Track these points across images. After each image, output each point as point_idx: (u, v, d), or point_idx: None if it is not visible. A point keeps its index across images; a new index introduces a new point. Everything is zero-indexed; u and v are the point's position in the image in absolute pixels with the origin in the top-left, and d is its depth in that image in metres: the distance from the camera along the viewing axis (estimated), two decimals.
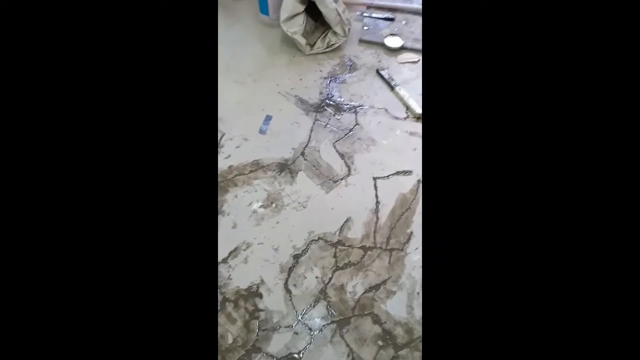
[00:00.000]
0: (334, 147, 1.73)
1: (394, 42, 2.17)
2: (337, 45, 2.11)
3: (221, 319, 1.28)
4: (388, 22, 2.30)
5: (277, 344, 1.23)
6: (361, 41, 2.21)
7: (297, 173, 1.65)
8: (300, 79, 2.01)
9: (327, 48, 2.11)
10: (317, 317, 1.29)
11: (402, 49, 2.15)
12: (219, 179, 1.62)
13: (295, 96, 1.93)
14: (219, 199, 1.56)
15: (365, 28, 2.26)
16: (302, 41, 2.05)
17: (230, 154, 1.70)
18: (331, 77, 2.02)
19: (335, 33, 2.07)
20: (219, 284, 1.35)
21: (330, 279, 1.37)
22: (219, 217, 1.51)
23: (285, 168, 1.67)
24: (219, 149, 1.71)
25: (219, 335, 1.24)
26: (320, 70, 2.06)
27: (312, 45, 2.11)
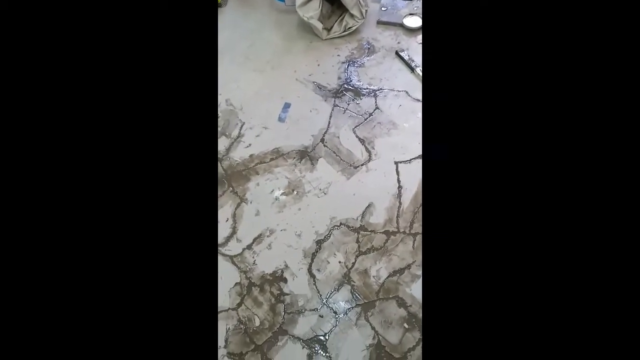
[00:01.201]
0: (354, 133, 1.72)
1: (413, 21, 2.10)
2: (354, 28, 2.06)
3: (248, 302, 1.32)
4: (407, 2, 2.23)
5: (302, 326, 1.26)
6: (379, 23, 2.16)
7: (317, 160, 1.65)
8: (318, 65, 1.99)
9: (344, 32, 2.07)
10: (341, 300, 1.30)
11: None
12: (241, 168, 1.64)
13: (314, 82, 1.91)
14: (242, 187, 1.59)
15: (382, 9, 2.20)
16: (319, 25, 2.02)
17: (250, 143, 1.72)
18: (349, 61, 1.99)
19: (352, 15, 2.03)
20: (244, 269, 1.38)
21: (354, 263, 1.38)
22: (243, 205, 1.54)
23: (305, 155, 1.67)
24: (239, 139, 1.73)
25: (246, 318, 1.28)
26: (338, 55, 2.03)
27: (329, 30, 2.08)
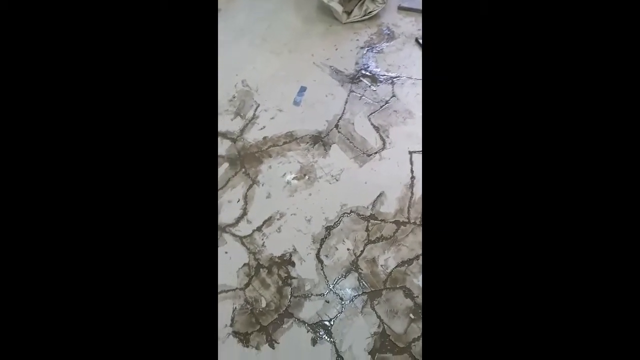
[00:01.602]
0: (369, 120, 1.69)
1: None
2: (374, 12, 2.01)
3: (255, 283, 1.33)
4: None
5: (308, 310, 1.27)
6: (400, 8, 2.09)
7: (330, 146, 1.64)
8: (336, 49, 1.95)
9: (364, 16, 2.02)
10: (348, 287, 1.30)
11: None
12: (254, 150, 1.64)
13: (331, 67, 1.88)
14: (254, 169, 1.58)
15: None
16: (339, 9, 1.97)
17: (265, 125, 1.70)
18: (368, 47, 1.95)
19: (373, 0, 1.97)
20: (253, 250, 1.39)
21: (362, 251, 1.37)
22: (254, 186, 1.54)
23: (319, 140, 1.65)
24: (254, 120, 1.72)
25: (253, 299, 1.29)
26: (357, 40, 1.98)
27: (348, 13, 2.03)
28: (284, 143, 1.65)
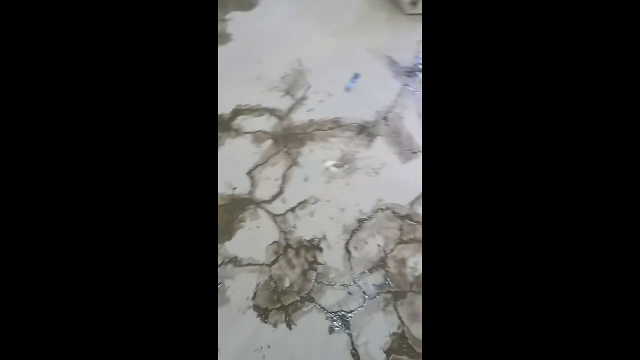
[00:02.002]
0: (420, 117, 1.63)
1: None
2: None
3: (282, 262, 1.34)
4: None
5: (329, 298, 1.27)
6: None
7: (375, 137, 1.60)
8: (396, 39, 1.88)
9: None
10: (372, 283, 1.28)
11: None
12: (298, 131, 1.63)
13: (388, 57, 1.82)
14: (296, 150, 1.58)
15: None
16: None
17: (312, 108, 1.69)
18: None
19: None
20: (284, 229, 1.40)
21: (392, 250, 1.34)
22: (294, 167, 1.54)
23: (364, 130, 1.62)
24: (303, 101, 1.71)
25: (277, 277, 1.31)
26: (418, 33, 1.90)
27: (414, 4, 1.94)
28: (329, 128, 1.63)
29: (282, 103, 1.70)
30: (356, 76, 1.77)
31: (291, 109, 1.69)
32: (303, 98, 1.72)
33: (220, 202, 1.46)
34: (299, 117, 1.66)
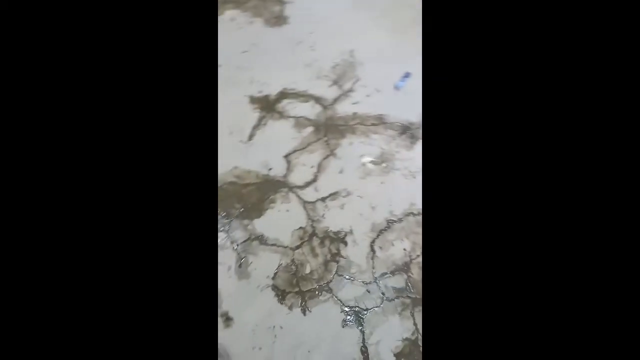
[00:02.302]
0: None
1: None
2: None
3: (305, 248, 1.35)
4: None
5: (347, 293, 1.27)
6: None
7: (417, 140, 1.56)
8: None
9: None
10: (392, 285, 1.27)
11: None
12: (340, 122, 1.62)
13: None
14: (335, 141, 1.57)
15: None
16: None
17: (358, 101, 1.67)
18: None
19: None
20: (312, 217, 1.41)
21: (418, 256, 1.32)
22: (331, 158, 1.54)
23: (407, 131, 1.58)
24: (349, 93, 1.69)
25: (299, 263, 1.32)
26: None
27: None
28: (372, 124, 1.61)
29: (328, 92, 1.70)
30: (407, 75, 1.73)
31: (337, 100, 1.68)
32: (350, 90, 1.70)
33: (254, 180, 1.48)
34: (344, 108, 1.65)
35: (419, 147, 1.55)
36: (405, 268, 1.30)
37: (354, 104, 1.67)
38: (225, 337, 1.18)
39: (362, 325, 1.21)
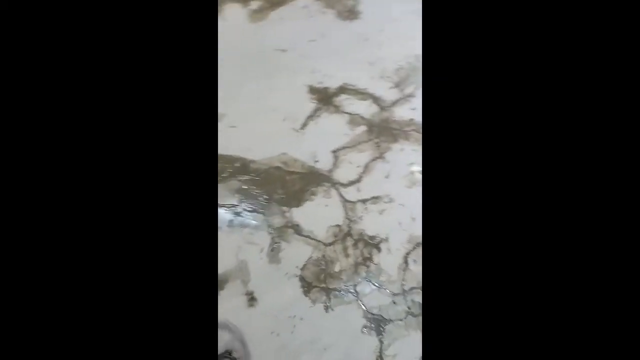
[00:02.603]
0: None
1: None
2: None
3: (338, 247, 1.34)
4: None
5: (372, 300, 1.25)
6: None
7: None
8: None
9: None
10: (420, 301, 1.23)
11: None
12: (395, 126, 1.58)
13: None
14: (387, 144, 1.54)
15: None
16: None
17: (416, 107, 1.62)
18: None
19: None
20: (350, 217, 1.39)
21: None
22: (378, 160, 1.51)
23: None
24: (409, 98, 1.64)
25: (329, 259, 1.32)
26: None
27: None
28: None
29: (388, 94, 1.66)
30: None
31: (395, 103, 1.64)
32: (410, 95, 1.65)
33: (299, 169, 1.49)
34: (400, 113, 1.61)
35: None
36: None
37: (412, 109, 1.62)
38: (246, 316, 1.21)
39: (382, 334, 1.19)
